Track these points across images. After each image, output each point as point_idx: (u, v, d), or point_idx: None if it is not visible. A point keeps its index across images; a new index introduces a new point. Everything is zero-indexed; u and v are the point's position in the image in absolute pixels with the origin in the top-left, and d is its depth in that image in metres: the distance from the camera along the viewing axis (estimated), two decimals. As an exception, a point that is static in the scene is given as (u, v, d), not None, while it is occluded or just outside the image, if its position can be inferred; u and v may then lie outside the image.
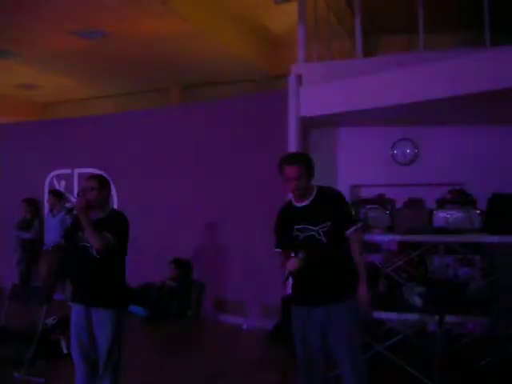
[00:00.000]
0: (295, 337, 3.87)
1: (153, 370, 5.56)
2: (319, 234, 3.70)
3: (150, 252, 8.09)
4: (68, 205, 8.79)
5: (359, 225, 3.87)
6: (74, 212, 4.20)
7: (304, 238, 3.74)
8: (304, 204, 3.81)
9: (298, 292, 3.89)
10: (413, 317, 5.26)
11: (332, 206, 3.76)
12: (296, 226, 3.76)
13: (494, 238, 5.06)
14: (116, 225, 4.16)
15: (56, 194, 8.90)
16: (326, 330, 3.74)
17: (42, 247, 8.80)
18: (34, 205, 9.32)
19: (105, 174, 4.52)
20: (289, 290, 4.07)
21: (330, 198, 3.82)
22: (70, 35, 9.17)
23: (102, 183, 4.28)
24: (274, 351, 6.25)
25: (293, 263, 3.65)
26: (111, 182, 4.65)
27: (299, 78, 7.24)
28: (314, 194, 3.81)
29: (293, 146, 7.12)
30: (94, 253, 4.08)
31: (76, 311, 4.24)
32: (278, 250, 3.93)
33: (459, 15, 8.45)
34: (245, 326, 7.43)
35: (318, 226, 3.70)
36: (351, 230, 3.75)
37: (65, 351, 5.59)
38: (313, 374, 3.85)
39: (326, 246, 3.71)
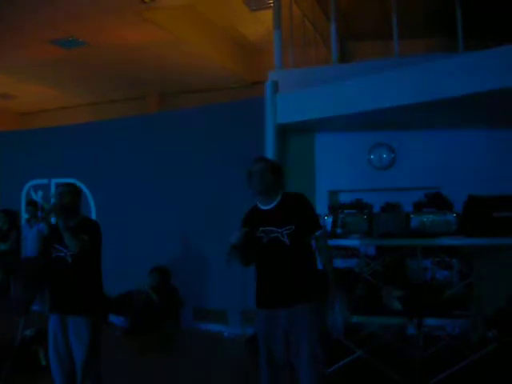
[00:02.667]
0: (259, 340, 3.91)
1: (135, 380, 5.52)
2: (283, 236, 3.77)
3: (128, 261, 8.06)
4: (45, 208, 8.70)
5: (323, 230, 3.93)
6: (50, 216, 4.25)
7: (268, 240, 3.81)
8: (269, 207, 3.90)
9: (261, 294, 3.92)
10: (392, 320, 5.31)
11: (296, 210, 3.84)
12: (261, 228, 3.85)
13: (471, 241, 5.12)
14: (90, 230, 4.20)
15: (34, 205, 8.84)
16: (288, 334, 3.75)
17: (19, 258, 8.73)
18: (11, 216, 9.23)
19: (78, 183, 4.52)
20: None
21: (294, 202, 3.90)
22: (47, 44, 9.13)
23: (75, 190, 4.35)
24: (253, 358, 6.23)
25: (234, 235, 3.82)
26: (88, 191, 4.68)
27: (275, 84, 7.27)
28: (280, 197, 3.91)
29: (270, 153, 7.13)
30: (69, 260, 4.09)
31: (53, 321, 4.23)
32: None
33: (432, 22, 8.55)
34: (226, 334, 7.42)
35: (283, 228, 3.77)
36: (316, 234, 3.84)
37: (43, 362, 5.53)
38: (274, 378, 3.84)
39: (289, 248, 3.77)
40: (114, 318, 7.60)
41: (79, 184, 4.49)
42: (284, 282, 3.80)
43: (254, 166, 3.93)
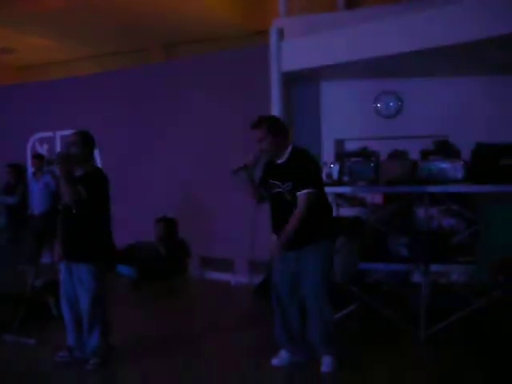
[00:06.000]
0: (272, 281, 4.33)
1: (143, 327, 5.60)
2: (284, 192, 4.06)
3: (135, 212, 8.09)
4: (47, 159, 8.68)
5: (311, 190, 4.01)
6: (54, 165, 4.30)
7: (273, 193, 4.15)
8: (279, 161, 4.16)
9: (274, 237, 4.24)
10: (398, 267, 5.35)
11: (297, 168, 4.04)
12: (271, 180, 4.17)
13: (478, 188, 5.10)
14: (93, 181, 4.22)
15: (39, 158, 8.81)
16: (296, 275, 4.13)
17: (26, 212, 8.77)
18: (18, 169, 9.22)
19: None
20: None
21: (297, 159, 4.10)
22: (47, -5, 8.95)
23: (85, 139, 4.33)
24: (261, 306, 6.31)
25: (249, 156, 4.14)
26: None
27: (281, 31, 7.13)
28: (289, 152, 4.13)
29: (275, 102, 7.06)
30: (73, 209, 4.13)
31: (62, 269, 4.33)
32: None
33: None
34: (233, 283, 7.50)
35: (284, 184, 4.05)
36: (302, 192, 3.98)
37: (54, 313, 5.61)
38: (284, 312, 4.24)
39: (290, 202, 4.03)
40: (121, 268, 7.67)
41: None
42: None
43: (252, 131, 4.12)
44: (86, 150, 4.32)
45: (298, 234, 3.98)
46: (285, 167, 4.10)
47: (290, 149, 4.12)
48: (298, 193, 3.97)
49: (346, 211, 6.00)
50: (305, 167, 4.05)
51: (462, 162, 5.13)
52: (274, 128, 4.11)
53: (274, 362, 4.28)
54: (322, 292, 4.09)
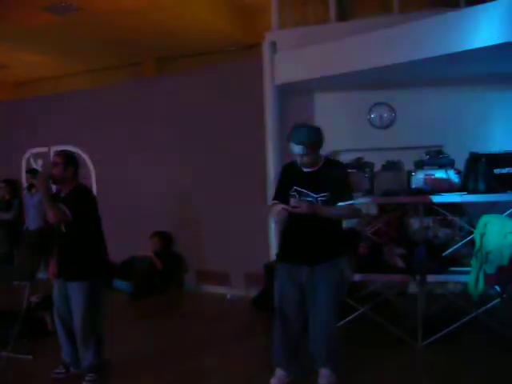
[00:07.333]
0: (275, 290, 4.14)
1: (140, 341, 5.58)
2: (317, 202, 3.89)
3: (129, 226, 8.07)
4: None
5: (352, 202, 4.01)
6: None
7: (300, 201, 3.86)
8: (310, 170, 3.99)
9: (286, 250, 4.13)
10: (394, 278, 5.34)
11: (334, 178, 3.94)
12: (296, 187, 3.94)
13: (472, 198, 5.11)
14: (78, 201, 4.22)
15: (33, 173, 8.80)
16: (304, 285, 3.98)
17: (21, 227, 8.76)
18: (12, 185, 9.24)
19: (75, 150, 4.52)
20: (273, 256, 4.22)
21: (334, 170, 4.01)
22: (41, 11, 8.95)
23: (68, 160, 4.34)
24: (258, 318, 6.30)
25: (280, 211, 3.84)
26: (88, 157, 4.65)
27: (274, 44, 7.17)
28: (322, 163, 4.00)
29: (270, 114, 7.08)
30: (63, 228, 4.18)
31: (56, 286, 4.35)
32: (275, 202, 4.06)
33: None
34: (229, 296, 7.47)
35: (318, 194, 3.90)
36: (343, 204, 3.91)
37: (50, 328, 5.59)
38: (288, 327, 4.08)
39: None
40: (118, 283, 7.66)
41: (75, 151, 4.44)
42: (310, 243, 3.96)
43: (295, 139, 3.87)
44: (68, 170, 4.32)
45: (315, 250, 3.94)
46: (318, 176, 3.95)
47: (323, 159, 4.03)
48: (341, 203, 3.89)
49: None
50: (345, 179, 4.05)
51: (456, 172, 5.15)
52: (318, 143, 3.96)
53: (273, 382, 4.17)
54: (334, 308, 4.01)
